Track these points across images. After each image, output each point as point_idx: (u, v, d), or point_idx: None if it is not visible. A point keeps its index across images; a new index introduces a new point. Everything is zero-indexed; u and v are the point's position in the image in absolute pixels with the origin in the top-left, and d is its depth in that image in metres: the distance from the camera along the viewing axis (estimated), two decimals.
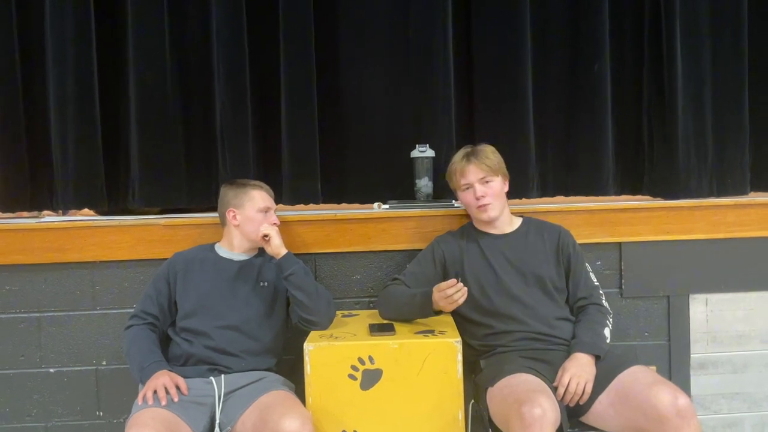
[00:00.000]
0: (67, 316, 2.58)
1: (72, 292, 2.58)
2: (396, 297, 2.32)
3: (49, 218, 2.69)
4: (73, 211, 2.78)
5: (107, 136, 2.74)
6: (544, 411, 1.80)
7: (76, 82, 2.67)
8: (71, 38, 2.65)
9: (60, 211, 2.77)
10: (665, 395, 1.87)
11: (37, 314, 2.57)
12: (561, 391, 2.02)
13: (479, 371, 2.25)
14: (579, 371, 2.05)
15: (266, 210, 2.38)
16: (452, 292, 2.07)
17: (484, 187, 2.29)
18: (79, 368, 2.59)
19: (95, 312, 2.58)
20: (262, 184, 2.44)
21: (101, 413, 2.59)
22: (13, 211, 2.76)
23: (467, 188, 2.32)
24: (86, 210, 2.77)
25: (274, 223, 2.38)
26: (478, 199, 2.29)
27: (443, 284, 2.11)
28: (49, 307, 2.58)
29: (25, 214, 2.77)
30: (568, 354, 2.17)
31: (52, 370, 2.58)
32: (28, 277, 2.57)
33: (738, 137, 2.81)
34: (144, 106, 2.70)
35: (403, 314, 2.30)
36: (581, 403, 2.02)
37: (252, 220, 2.35)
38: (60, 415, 2.59)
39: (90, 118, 2.69)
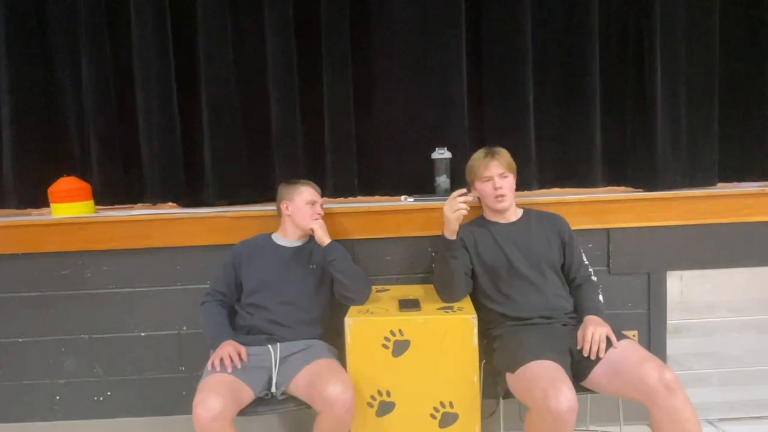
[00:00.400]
0: (154, 291, 2.47)
1: (158, 271, 2.46)
2: (435, 272, 2.18)
3: (139, 211, 2.56)
4: (160, 204, 2.64)
5: (186, 143, 2.60)
6: (570, 404, 1.66)
7: (159, 98, 2.53)
8: (154, 61, 2.51)
9: (147, 205, 2.64)
10: (653, 372, 1.71)
11: (130, 289, 2.46)
12: (587, 346, 1.87)
13: (491, 350, 2.06)
14: (597, 327, 1.90)
15: (312, 203, 2.22)
16: (456, 194, 2.00)
17: (502, 181, 2.13)
18: (164, 332, 2.48)
19: (177, 287, 2.46)
20: (310, 182, 2.29)
21: (183, 368, 2.49)
22: (111, 205, 2.64)
23: (488, 180, 2.14)
24: (170, 204, 2.64)
25: (319, 214, 2.22)
26: (496, 189, 2.12)
27: (455, 192, 2.03)
28: (139, 284, 2.46)
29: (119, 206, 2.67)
30: (571, 326, 2.03)
31: (143, 334, 2.48)
32: (122, 259, 2.45)
33: (708, 138, 2.56)
34: (214, 119, 2.55)
35: (442, 274, 2.11)
36: (601, 356, 1.85)
37: (300, 210, 2.20)
38: (150, 369, 2.50)
39: (171, 129, 2.56)
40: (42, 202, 2.59)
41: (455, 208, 2.01)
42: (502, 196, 2.13)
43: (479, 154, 2.20)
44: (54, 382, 2.49)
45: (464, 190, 2.07)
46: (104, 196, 2.61)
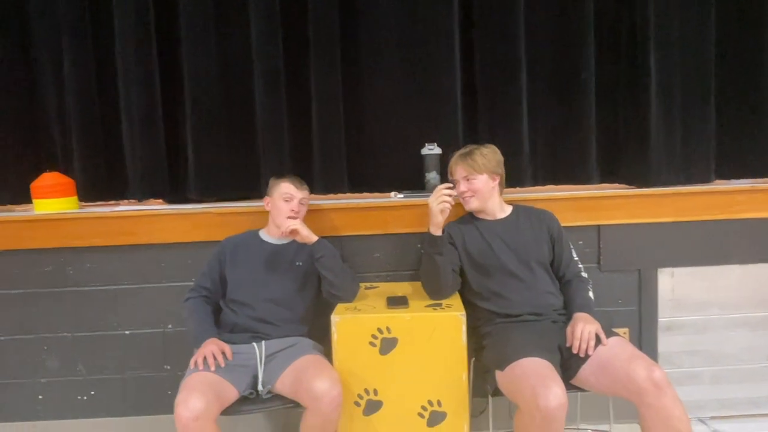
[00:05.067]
0: (138, 288, 2.44)
1: (142, 269, 2.43)
2: (421, 268, 2.15)
3: (123, 207, 2.53)
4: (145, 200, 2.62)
5: (169, 139, 2.57)
6: (560, 401, 1.64)
7: (141, 93, 2.51)
8: (136, 56, 2.49)
9: (133, 201, 2.62)
10: (641, 370, 1.71)
11: (114, 287, 2.44)
12: (575, 344, 1.86)
13: (481, 348, 2.05)
14: (586, 324, 1.89)
15: (289, 198, 2.13)
16: (442, 187, 2.03)
17: (467, 184, 2.14)
18: (149, 331, 2.45)
19: (162, 285, 2.44)
20: (294, 177, 2.21)
21: (168, 366, 2.47)
22: (93, 201, 2.62)
23: (457, 181, 2.18)
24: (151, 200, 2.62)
25: (293, 211, 2.13)
26: (460, 193, 2.15)
27: (441, 185, 2.06)
28: (123, 281, 2.44)
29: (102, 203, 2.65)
30: (560, 323, 2.03)
31: (127, 332, 2.45)
32: (105, 257, 2.42)
33: (703, 133, 2.54)
34: (198, 114, 2.53)
35: (428, 271, 2.10)
36: (590, 353, 1.84)
37: (277, 206, 2.15)
38: (134, 368, 2.47)
39: (154, 125, 2.53)
40: (24, 197, 2.56)
41: (439, 200, 2.02)
42: (466, 198, 2.15)
43: (456, 154, 2.20)
44: (36, 381, 2.46)
45: (451, 185, 2.08)
46: (88, 192, 2.59)
